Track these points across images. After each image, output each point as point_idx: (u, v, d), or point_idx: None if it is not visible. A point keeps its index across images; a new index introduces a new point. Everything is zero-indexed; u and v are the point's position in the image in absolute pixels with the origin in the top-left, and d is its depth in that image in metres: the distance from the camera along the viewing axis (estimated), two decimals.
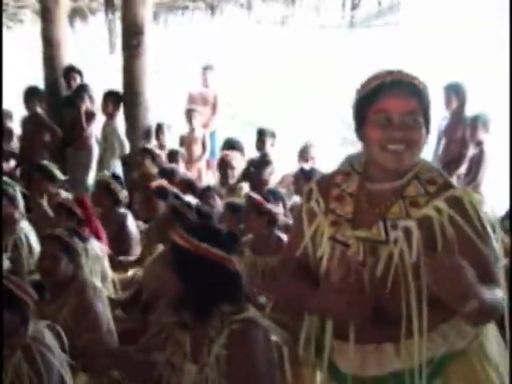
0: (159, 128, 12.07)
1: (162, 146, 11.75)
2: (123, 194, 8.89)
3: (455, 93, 10.67)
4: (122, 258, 8.05)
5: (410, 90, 3.28)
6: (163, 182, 8.75)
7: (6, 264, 7.19)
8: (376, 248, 3.30)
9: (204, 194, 9.20)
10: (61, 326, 5.28)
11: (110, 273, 7.41)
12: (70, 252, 6.08)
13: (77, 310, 5.90)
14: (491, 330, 3.49)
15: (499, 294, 3.21)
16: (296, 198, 8.91)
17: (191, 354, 4.01)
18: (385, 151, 3.27)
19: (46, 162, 9.89)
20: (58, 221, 7.63)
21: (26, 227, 8.01)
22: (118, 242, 8.32)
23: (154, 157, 10.89)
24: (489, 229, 3.25)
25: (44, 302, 5.67)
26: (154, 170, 10.64)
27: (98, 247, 7.41)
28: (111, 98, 12.11)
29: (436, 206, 3.23)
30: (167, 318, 4.25)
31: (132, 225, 8.60)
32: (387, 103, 3.26)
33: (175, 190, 8.35)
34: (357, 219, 3.39)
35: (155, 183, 8.66)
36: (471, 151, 10.58)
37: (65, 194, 9.19)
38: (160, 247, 7.04)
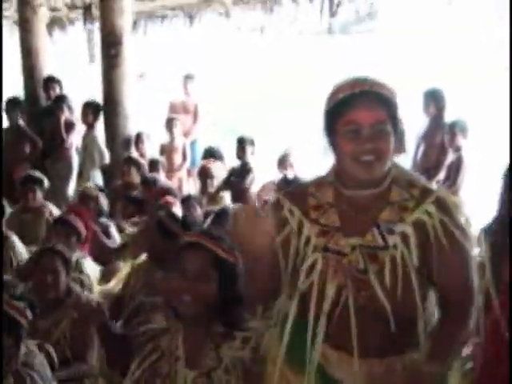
0: (139, 137, 12.02)
1: (142, 155, 11.73)
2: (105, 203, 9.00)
3: (433, 99, 10.69)
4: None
5: (378, 100, 3.30)
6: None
7: None
8: (375, 254, 3.32)
9: (184, 203, 9.31)
10: (57, 339, 5.64)
11: (96, 286, 7.47)
12: (68, 267, 6.14)
13: (77, 323, 5.94)
14: None
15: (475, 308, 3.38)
16: None
17: (187, 359, 4.00)
18: (356, 162, 3.30)
19: (32, 173, 9.97)
20: (57, 235, 7.55)
21: (17, 242, 8.08)
22: (101, 251, 8.37)
23: (138, 166, 10.92)
24: (470, 237, 3.37)
25: (37, 317, 5.48)
26: (137, 179, 10.66)
27: (90, 265, 7.67)
28: (91, 107, 12.10)
29: (426, 209, 3.29)
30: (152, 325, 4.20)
31: (114, 233, 8.66)
32: (356, 114, 3.29)
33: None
34: (346, 227, 3.39)
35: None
36: (450, 157, 10.61)
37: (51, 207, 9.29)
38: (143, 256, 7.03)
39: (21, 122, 12.58)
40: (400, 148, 3.47)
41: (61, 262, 6.05)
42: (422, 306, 3.29)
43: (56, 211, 9.40)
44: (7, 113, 12.63)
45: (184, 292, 3.85)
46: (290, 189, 3.78)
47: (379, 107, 3.28)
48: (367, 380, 3.38)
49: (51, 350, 5.12)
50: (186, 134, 13.31)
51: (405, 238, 3.28)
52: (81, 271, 7.28)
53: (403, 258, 3.27)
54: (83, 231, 7.77)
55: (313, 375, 3.52)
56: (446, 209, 3.28)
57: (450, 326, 3.32)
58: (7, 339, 4.73)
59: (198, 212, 9.29)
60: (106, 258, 8.31)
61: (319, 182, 3.53)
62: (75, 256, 7.21)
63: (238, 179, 10.36)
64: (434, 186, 3.45)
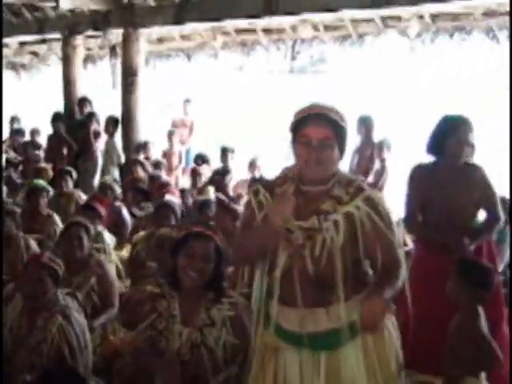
0: (146, 144, 12.07)
1: (147, 158, 11.74)
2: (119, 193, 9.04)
3: (364, 123, 10.72)
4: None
5: (326, 121, 3.33)
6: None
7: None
8: (313, 235, 3.37)
9: (180, 194, 9.58)
10: (87, 291, 5.72)
11: (114, 256, 7.46)
12: (89, 235, 6.18)
13: (102, 278, 6.02)
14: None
15: (403, 272, 3.43)
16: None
17: (182, 318, 4.03)
18: (306, 166, 3.37)
19: (69, 167, 10.04)
20: (84, 215, 7.49)
21: (57, 219, 8.21)
22: (116, 226, 8.43)
23: (143, 166, 10.95)
24: (393, 221, 3.41)
25: (71, 275, 5.77)
26: (144, 175, 10.68)
27: (108, 236, 7.66)
28: (112, 121, 12.18)
29: (356, 204, 3.34)
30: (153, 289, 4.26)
31: (126, 214, 8.66)
32: (308, 131, 3.34)
33: None
34: (297, 213, 3.41)
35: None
36: (376, 165, 10.67)
37: (80, 194, 9.30)
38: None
39: (61, 131, 12.66)
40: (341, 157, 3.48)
41: (83, 231, 6.08)
42: (344, 272, 3.32)
43: (84, 197, 9.49)
44: (52, 123, 12.79)
45: (192, 269, 3.99)
46: (264, 181, 3.86)
47: (326, 127, 3.33)
48: (297, 321, 3.44)
49: (82, 298, 5.18)
50: (183, 143, 13.32)
51: (336, 224, 3.32)
52: (102, 242, 7.29)
53: (332, 238, 3.32)
54: (103, 212, 7.87)
55: (273, 329, 3.57)
56: (372, 204, 3.34)
57: (380, 284, 3.34)
58: (47, 281, 4.79)
59: (190, 201, 9.34)
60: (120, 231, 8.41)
61: (284, 178, 3.55)
62: (98, 229, 7.36)
63: (220, 177, 10.34)
64: (365, 186, 3.43)
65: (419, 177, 5.56)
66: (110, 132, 12.14)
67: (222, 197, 7.62)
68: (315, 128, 3.34)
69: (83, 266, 6.01)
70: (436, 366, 5.04)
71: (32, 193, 8.43)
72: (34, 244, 7.15)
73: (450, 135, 5.38)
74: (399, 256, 3.42)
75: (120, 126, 12.17)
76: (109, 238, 7.65)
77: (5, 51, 16.83)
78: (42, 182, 9.00)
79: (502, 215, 5.46)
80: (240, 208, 7.31)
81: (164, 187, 9.41)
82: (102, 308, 5.86)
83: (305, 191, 3.45)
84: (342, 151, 3.42)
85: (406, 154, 10.30)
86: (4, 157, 13.26)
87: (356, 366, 3.42)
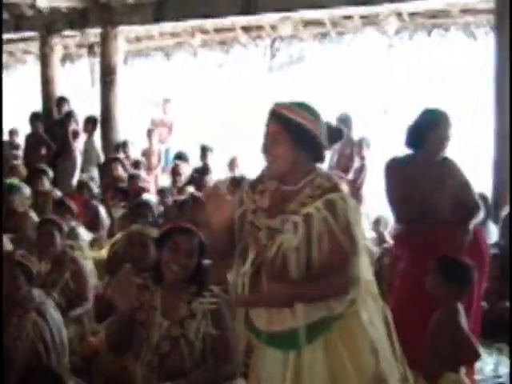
0: (125, 143, 12.08)
1: (127, 157, 11.73)
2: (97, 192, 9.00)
3: (343, 121, 10.71)
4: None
5: (276, 118, 3.32)
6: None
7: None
8: (273, 234, 3.32)
9: (160, 193, 9.69)
10: (62, 287, 5.79)
11: (88, 252, 7.43)
12: (61, 232, 6.23)
13: (76, 273, 6.09)
14: (368, 304, 3.48)
15: (344, 276, 3.32)
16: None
17: (163, 313, 4.02)
18: (265, 162, 3.40)
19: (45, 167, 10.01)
20: (56, 212, 7.76)
21: (35, 218, 8.08)
22: (93, 223, 8.33)
23: (123, 164, 10.91)
24: (352, 226, 3.28)
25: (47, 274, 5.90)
26: (124, 174, 10.65)
27: (83, 232, 7.69)
28: (91, 121, 12.19)
29: (316, 206, 3.26)
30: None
31: (102, 212, 8.63)
32: (265, 128, 3.37)
33: None
34: (268, 211, 3.40)
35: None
36: (356, 163, 10.70)
37: (57, 192, 9.22)
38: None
39: (39, 130, 12.60)
40: (317, 156, 3.42)
41: (55, 228, 6.17)
42: (298, 269, 3.28)
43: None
44: (30, 123, 12.78)
45: (175, 264, 3.99)
46: (254, 178, 3.71)
47: (275, 123, 3.31)
48: (265, 320, 3.41)
49: (57, 296, 5.16)
50: (162, 142, 13.31)
51: (295, 225, 3.26)
52: (76, 238, 7.31)
53: (289, 240, 3.27)
54: (75, 209, 8.03)
55: (242, 321, 3.57)
56: (331, 207, 3.24)
57: (308, 282, 3.32)
58: (20, 277, 4.80)
59: (169, 200, 9.32)
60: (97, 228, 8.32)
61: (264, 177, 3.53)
62: (71, 225, 7.45)
63: (199, 176, 10.31)
64: (335, 187, 3.33)
65: (394, 171, 5.57)
66: (89, 131, 12.11)
67: (198, 194, 7.61)
68: (268, 125, 3.35)
69: (57, 262, 6.08)
70: (413, 361, 5.06)
71: (6, 191, 8.45)
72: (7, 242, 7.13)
73: (431, 130, 5.40)
74: (348, 262, 3.30)
75: (99, 125, 12.14)
76: (84, 234, 7.66)
77: None
78: (15, 181, 9.00)
79: (481, 205, 5.48)
80: None
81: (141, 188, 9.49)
82: (77, 303, 5.93)
83: (281, 190, 3.41)
84: (302, 148, 3.34)
85: (385, 150, 10.32)
86: None
87: (322, 364, 3.37)
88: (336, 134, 3.49)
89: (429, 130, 5.41)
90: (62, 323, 4.96)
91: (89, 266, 6.54)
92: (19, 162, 12.23)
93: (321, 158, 3.44)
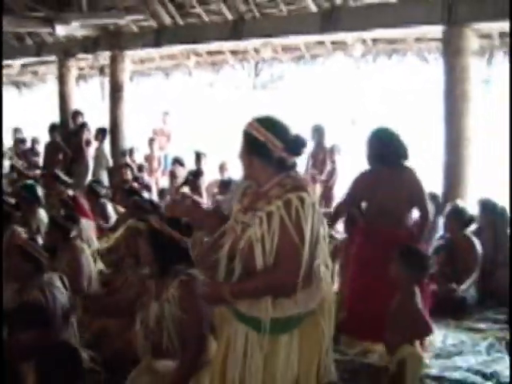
0: (131, 150, 12.05)
1: (133, 162, 11.74)
2: (105, 192, 8.96)
3: (317, 131, 10.76)
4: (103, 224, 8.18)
5: (243, 132, 3.40)
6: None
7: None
8: (245, 228, 3.33)
9: (160, 193, 9.35)
10: (61, 271, 5.44)
11: (95, 241, 7.40)
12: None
13: (70, 261, 6.06)
14: (327, 295, 3.47)
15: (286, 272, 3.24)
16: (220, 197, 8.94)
17: (155, 295, 4.04)
18: None
19: (58, 172, 9.90)
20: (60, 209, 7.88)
21: (43, 213, 7.94)
22: (102, 219, 8.47)
23: (131, 169, 10.91)
24: (302, 224, 3.21)
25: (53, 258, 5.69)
26: (129, 177, 10.63)
27: (87, 224, 7.59)
28: (101, 131, 12.10)
29: (277, 204, 3.24)
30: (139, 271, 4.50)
31: (110, 210, 8.61)
32: None
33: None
34: (246, 209, 3.40)
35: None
36: (328, 167, 10.74)
37: (69, 193, 9.12)
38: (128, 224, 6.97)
39: (57, 139, 12.54)
40: (280, 160, 3.36)
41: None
42: (263, 259, 3.25)
43: None
44: (49, 133, 12.70)
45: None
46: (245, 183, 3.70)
47: (242, 136, 3.40)
48: (250, 308, 3.34)
49: (65, 278, 5.08)
50: (162, 149, 13.28)
51: (261, 221, 3.25)
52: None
53: (255, 233, 3.26)
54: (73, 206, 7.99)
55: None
56: (288, 206, 3.20)
57: (250, 279, 3.32)
58: (27, 265, 4.80)
59: (168, 199, 9.32)
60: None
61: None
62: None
63: (193, 178, 10.29)
64: (297, 187, 3.28)
65: (358, 180, 5.70)
66: (100, 140, 12.02)
67: (196, 198, 7.61)
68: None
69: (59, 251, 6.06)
70: (373, 334, 5.13)
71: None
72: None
73: (385, 147, 5.49)
74: (295, 256, 3.22)
75: (108, 135, 12.10)
76: (86, 225, 7.56)
77: (9, 71, 16.70)
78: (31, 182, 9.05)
79: (431, 209, 5.53)
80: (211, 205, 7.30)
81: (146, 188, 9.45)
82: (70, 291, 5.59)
83: (256, 191, 3.41)
84: (262, 156, 3.34)
85: (353, 156, 10.38)
86: (9, 162, 13.20)
87: (291, 350, 3.34)
88: (301, 142, 3.45)
89: (383, 147, 5.51)
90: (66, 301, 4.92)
91: (87, 256, 6.42)
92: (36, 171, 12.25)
93: (280, 163, 3.37)
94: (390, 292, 4.67)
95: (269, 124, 3.36)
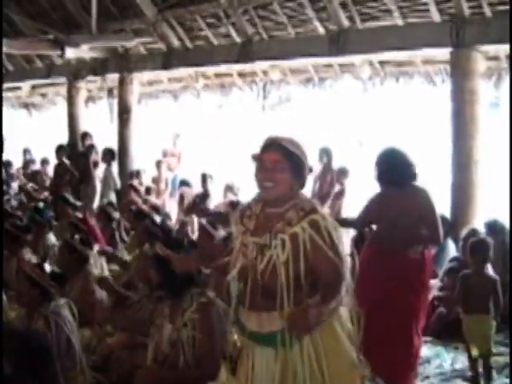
0: (139, 172, 12.06)
1: (140, 184, 11.75)
2: (115, 215, 8.93)
3: (325, 153, 10.78)
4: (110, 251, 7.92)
5: (277, 147, 3.29)
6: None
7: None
8: (263, 250, 3.32)
9: (166, 217, 9.45)
10: (71, 298, 5.31)
11: (106, 267, 7.35)
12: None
13: (82, 289, 5.98)
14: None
15: (346, 284, 3.28)
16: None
17: (169, 318, 4.05)
18: (261, 186, 3.35)
19: (66, 194, 9.89)
20: (72, 232, 7.67)
21: (52, 237, 7.94)
22: (111, 243, 8.35)
23: (137, 191, 10.91)
24: (334, 242, 3.25)
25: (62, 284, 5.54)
26: (138, 199, 10.65)
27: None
28: (109, 152, 12.06)
29: (302, 226, 3.25)
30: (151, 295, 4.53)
31: (122, 233, 8.58)
32: (262, 155, 3.32)
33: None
34: (255, 231, 3.39)
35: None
36: (336, 189, 10.72)
37: (78, 215, 9.08)
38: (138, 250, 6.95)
39: (63, 160, 12.50)
40: (302, 183, 3.41)
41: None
42: (287, 283, 3.26)
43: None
44: (56, 154, 12.66)
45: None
46: (242, 205, 3.74)
47: (276, 152, 3.29)
48: (256, 323, 3.38)
49: (73, 305, 5.03)
50: (171, 170, 13.29)
51: (283, 243, 3.26)
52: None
53: (277, 255, 3.26)
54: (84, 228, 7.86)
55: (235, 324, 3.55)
56: (316, 227, 3.23)
57: (321, 297, 3.24)
58: (34, 293, 4.74)
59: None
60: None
61: (258, 200, 3.49)
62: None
63: (200, 201, 10.27)
64: (316, 210, 3.31)
65: (370, 202, 5.66)
66: (107, 161, 12.04)
67: (204, 223, 7.57)
68: (268, 153, 3.31)
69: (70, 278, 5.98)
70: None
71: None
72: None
73: (393, 168, 5.47)
74: (341, 271, 3.28)
75: (116, 156, 12.12)
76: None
77: (19, 93, 16.86)
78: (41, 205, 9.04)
79: (441, 233, 5.45)
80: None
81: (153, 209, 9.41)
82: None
83: (266, 212, 3.41)
84: (296, 176, 3.35)
85: (360, 178, 10.36)
86: (17, 183, 13.24)
87: (305, 361, 3.36)
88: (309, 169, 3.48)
89: (392, 168, 5.49)
90: (74, 331, 4.88)
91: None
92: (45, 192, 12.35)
93: (304, 186, 3.43)
94: (389, 317, 4.62)
95: (301, 144, 3.38)
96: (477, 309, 5.51)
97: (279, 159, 3.30)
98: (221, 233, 7.00)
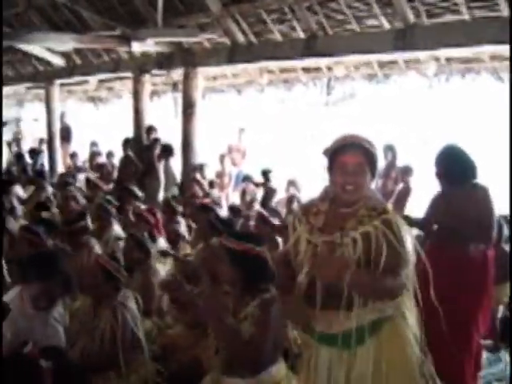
0: (202, 166, 12.13)
1: (203, 178, 11.83)
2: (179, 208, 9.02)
3: (390, 150, 10.70)
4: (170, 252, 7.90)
5: (358, 149, 3.29)
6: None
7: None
8: (334, 248, 3.32)
9: (230, 209, 9.44)
10: (135, 289, 5.44)
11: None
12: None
13: (144, 283, 6.10)
14: (409, 304, 3.47)
15: (400, 279, 3.29)
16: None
17: (232, 312, 4.05)
18: (342, 190, 3.34)
19: (131, 186, 10.02)
20: (137, 224, 7.78)
21: (117, 228, 8.05)
22: (174, 237, 8.26)
23: (201, 184, 11.00)
24: (405, 240, 3.28)
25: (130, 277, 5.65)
26: (200, 193, 10.72)
27: (163, 243, 7.65)
28: (167, 148, 12.32)
29: (374, 224, 3.27)
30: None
31: (183, 227, 8.62)
32: (345, 158, 3.30)
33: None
34: (325, 229, 3.40)
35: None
36: (400, 187, 10.64)
37: (143, 207, 9.19)
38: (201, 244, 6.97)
39: (129, 153, 12.72)
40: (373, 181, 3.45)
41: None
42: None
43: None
44: (122, 147, 12.97)
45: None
46: (304, 203, 3.77)
47: (359, 154, 3.29)
48: (324, 323, 3.39)
49: (138, 297, 5.10)
50: (236, 165, 13.36)
51: (354, 240, 3.27)
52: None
53: (349, 253, 3.27)
54: (152, 222, 7.90)
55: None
56: (388, 225, 3.26)
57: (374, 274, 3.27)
58: (107, 284, 4.80)
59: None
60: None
61: (324, 197, 3.53)
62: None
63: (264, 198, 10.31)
64: (387, 210, 3.35)
65: (434, 200, 5.64)
66: (166, 156, 12.28)
67: (263, 212, 7.58)
68: (351, 156, 3.29)
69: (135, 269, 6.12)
70: None
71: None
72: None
73: (452, 165, 5.40)
74: (402, 266, 3.28)
75: (180, 150, 12.24)
76: (162, 243, 7.65)
77: (86, 87, 17.18)
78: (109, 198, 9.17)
79: (492, 233, 5.34)
80: (276, 222, 7.25)
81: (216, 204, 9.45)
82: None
83: (335, 211, 3.42)
84: (372, 175, 3.38)
85: (423, 177, 10.24)
86: (84, 175, 13.49)
87: (373, 360, 3.35)
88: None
89: (454, 165, 5.41)
90: (139, 318, 4.95)
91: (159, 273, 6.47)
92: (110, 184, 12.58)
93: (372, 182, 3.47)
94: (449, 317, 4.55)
95: (369, 139, 3.40)
96: None
97: (362, 162, 3.32)
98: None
